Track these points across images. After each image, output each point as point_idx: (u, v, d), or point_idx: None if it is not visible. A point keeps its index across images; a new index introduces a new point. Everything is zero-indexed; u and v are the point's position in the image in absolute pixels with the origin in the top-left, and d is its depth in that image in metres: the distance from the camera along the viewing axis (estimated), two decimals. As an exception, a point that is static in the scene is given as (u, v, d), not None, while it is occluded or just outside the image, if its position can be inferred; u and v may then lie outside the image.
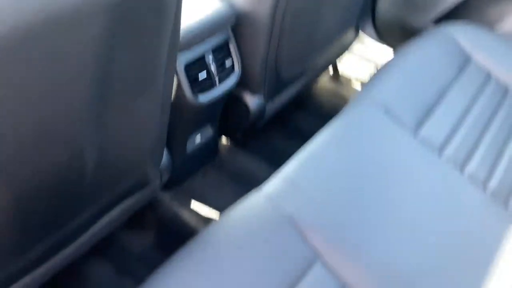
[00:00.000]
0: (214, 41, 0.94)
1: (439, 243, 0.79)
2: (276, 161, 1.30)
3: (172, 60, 0.73)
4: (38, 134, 0.54)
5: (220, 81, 0.98)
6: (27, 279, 0.76)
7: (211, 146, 1.21)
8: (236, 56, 1.00)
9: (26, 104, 0.49)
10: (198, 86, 0.94)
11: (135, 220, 1.06)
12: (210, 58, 0.94)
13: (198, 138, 1.12)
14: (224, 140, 1.30)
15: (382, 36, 1.48)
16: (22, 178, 0.57)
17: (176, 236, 1.09)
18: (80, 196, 0.74)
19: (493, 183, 0.91)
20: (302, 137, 1.38)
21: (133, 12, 0.54)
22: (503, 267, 0.79)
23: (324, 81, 1.56)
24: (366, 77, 1.59)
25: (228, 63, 0.99)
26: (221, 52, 0.97)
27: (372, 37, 1.49)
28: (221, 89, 0.98)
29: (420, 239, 0.78)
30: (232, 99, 1.10)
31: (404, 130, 0.94)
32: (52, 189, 0.64)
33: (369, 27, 1.46)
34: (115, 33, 0.54)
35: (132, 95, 0.68)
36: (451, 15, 1.32)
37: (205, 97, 0.95)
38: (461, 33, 1.18)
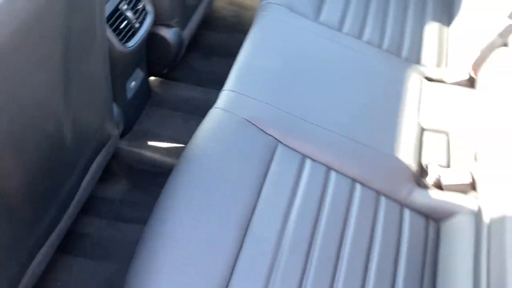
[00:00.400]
0: (123, -11, 1.00)
1: (360, 100, 1.00)
2: (205, 81, 1.42)
3: (102, 17, 0.80)
4: (32, 113, 0.63)
5: (140, 24, 1.05)
6: (46, 246, 0.86)
7: (145, 87, 1.29)
8: (145, -3, 1.07)
9: (21, 90, 0.57)
10: (123, 35, 1.01)
11: (105, 173, 1.16)
12: (124, 7, 1.00)
13: (133, 84, 1.20)
14: (153, 78, 1.38)
15: None
16: (26, 151, 0.66)
17: (147, 174, 1.21)
18: (66, 162, 0.83)
19: (386, 41, 1.13)
20: (219, 53, 1.50)
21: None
22: (409, 99, 1.02)
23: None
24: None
25: (140, 5, 1.06)
26: (131, -3, 1.02)
27: None
28: (142, 31, 1.06)
29: (347, 101, 0.98)
30: (152, 39, 1.17)
31: (308, 20, 1.10)
32: (47, 159, 0.74)
33: None
34: (69, 13, 0.61)
35: (84, 57, 0.76)
36: None
37: (131, 43, 1.03)
38: None
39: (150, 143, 1.26)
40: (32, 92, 0.61)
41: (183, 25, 1.25)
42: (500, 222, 0.77)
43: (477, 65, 1.01)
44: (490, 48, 0.97)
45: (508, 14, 0.94)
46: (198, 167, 0.85)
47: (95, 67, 0.83)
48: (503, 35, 0.93)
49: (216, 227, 0.79)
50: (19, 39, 0.52)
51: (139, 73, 1.22)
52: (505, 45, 0.94)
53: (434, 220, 0.91)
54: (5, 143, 0.59)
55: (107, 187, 1.17)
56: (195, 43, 1.46)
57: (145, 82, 1.27)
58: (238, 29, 1.56)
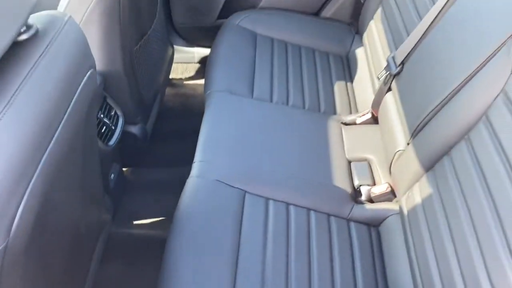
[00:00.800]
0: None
1: (298, 149, 1.29)
2: (168, 162, 1.67)
3: (95, 129, 1.06)
4: (66, 221, 0.85)
5: (115, 126, 1.31)
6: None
7: (121, 177, 1.52)
8: (115, 105, 1.34)
9: (59, 211, 0.80)
10: (104, 136, 1.25)
11: (102, 257, 1.34)
12: (101, 115, 1.26)
13: (112, 176, 1.43)
14: (125, 169, 1.61)
15: (189, 41, 1.94)
16: (60, 244, 0.87)
17: (139, 249, 1.41)
18: (81, 249, 1.04)
19: (307, 102, 1.46)
20: (175, 137, 1.77)
21: (89, 118, 0.88)
22: (334, 141, 1.33)
23: (168, 91, 1.95)
24: (191, 74, 2.04)
25: (112, 112, 1.32)
26: (105, 107, 1.29)
27: (183, 45, 1.93)
28: (117, 131, 1.31)
29: (289, 151, 1.27)
30: (123, 136, 1.42)
31: (246, 98, 1.41)
32: (71, 247, 0.94)
33: (178, 40, 1.90)
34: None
35: (89, 165, 1.00)
36: (229, 10, 1.81)
37: (111, 142, 1.28)
38: (241, 19, 1.69)
39: (136, 222, 1.47)
40: (68, 210, 0.84)
41: (145, 120, 1.52)
42: (414, 214, 1.06)
43: (375, 107, 1.36)
44: (380, 93, 1.32)
45: (385, 66, 1.31)
46: (188, 227, 1.07)
47: (94, 169, 1.07)
48: (386, 82, 1.29)
49: (213, 270, 1.00)
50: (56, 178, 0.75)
51: (116, 166, 1.45)
52: (390, 89, 1.30)
53: (374, 226, 1.19)
54: (54, 246, 0.80)
55: (106, 267, 1.35)
56: (154, 133, 1.73)
57: (121, 173, 1.50)
58: (186, 114, 1.86)
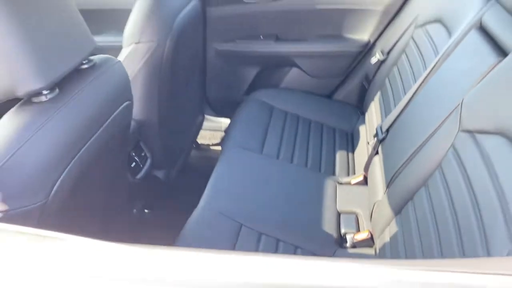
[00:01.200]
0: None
1: (297, 199, 1.49)
2: (187, 207, 1.87)
3: (126, 154, 1.32)
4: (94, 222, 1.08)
5: (143, 165, 1.57)
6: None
7: (142, 215, 1.74)
8: (146, 148, 1.61)
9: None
10: (133, 171, 1.51)
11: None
12: (133, 153, 1.53)
13: (135, 211, 1.65)
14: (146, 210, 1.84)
15: (218, 112, 2.26)
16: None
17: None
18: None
19: (309, 162, 1.68)
20: (196, 188, 1.99)
21: (122, 143, 1.14)
22: (328, 196, 1.52)
23: (195, 152, 2.23)
24: (217, 141, 2.32)
25: (143, 153, 1.59)
26: (138, 148, 1.56)
27: (212, 115, 2.24)
28: (145, 168, 1.57)
29: (288, 202, 1.47)
30: (149, 178, 1.67)
31: (257, 154, 1.65)
32: None
33: (209, 110, 2.22)
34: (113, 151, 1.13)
35: (115, 176, 1.25)
36: (254, 88, 2.14)
37: (140, 175, 1.53)
38: (262, 95, 2.00)
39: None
40: (93, 206, 1.09)
41: (170, 169, 1.77)
42: (383, 257, 1.20)
43: (366, 170, 1.55)
44: (370, 157, 1.53)
45: (374, 134, 1.53)
46: (189, 243, 1.27)
47: (120, 189, 1.32)
48: (374, 147, 1.50)
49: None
50: None
51: (139, 204, 1.68)
52: (377, 153, 1.51)
53: (354, 269, 1.33)
54: (77, 227, 1.03)
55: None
56: (176, 183, 1.97)
57: (142, 212, 1.73)
58: (208, 173, 2.09)
